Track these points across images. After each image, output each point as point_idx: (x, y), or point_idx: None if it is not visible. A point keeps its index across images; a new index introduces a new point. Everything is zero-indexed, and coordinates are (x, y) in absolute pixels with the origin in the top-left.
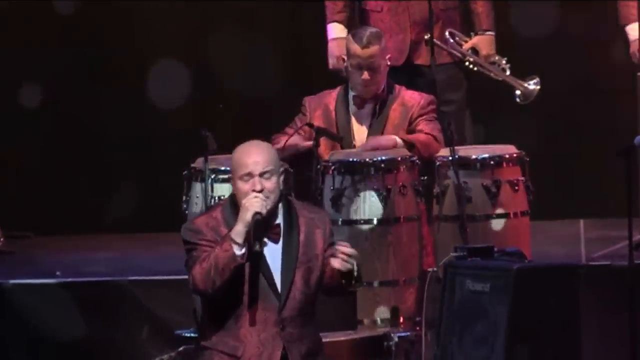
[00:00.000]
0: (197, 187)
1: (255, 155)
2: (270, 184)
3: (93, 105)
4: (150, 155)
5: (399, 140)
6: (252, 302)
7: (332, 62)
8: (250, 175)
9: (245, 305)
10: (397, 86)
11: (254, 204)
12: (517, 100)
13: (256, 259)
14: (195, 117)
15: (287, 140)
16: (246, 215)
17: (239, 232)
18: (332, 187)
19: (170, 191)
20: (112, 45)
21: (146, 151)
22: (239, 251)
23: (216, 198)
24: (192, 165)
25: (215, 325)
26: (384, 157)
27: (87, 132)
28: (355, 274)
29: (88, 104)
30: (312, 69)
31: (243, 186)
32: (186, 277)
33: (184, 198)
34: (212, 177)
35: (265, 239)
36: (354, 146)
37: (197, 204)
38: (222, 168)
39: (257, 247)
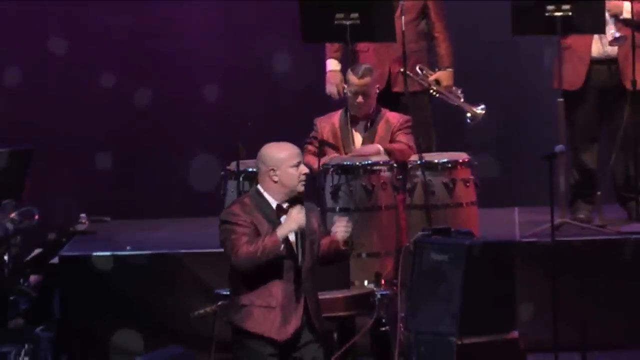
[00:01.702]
0: (231, 184)
1: (295, 148)
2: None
3: (164, 103)
4: (193, 158)
5: (381, 148)
6: (279, 267)
7: (328, 88)
8: (300, 162)
9: (275, 268)
10: (382, 109)
11: (300, 220)
12: (468, 121)
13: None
14: (229, 128)
15: (318, 162)
16: (293, 226)
17: (284, 234)
18: (331, 184)
19: (212, 186)
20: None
21: (193, 155)
22: (281, 247)
23: (244, 191)
24: (228, 167)
25: (249, 286)
26: (370, 162)
27: (159, 133)
28: (350, 241)
29: (158, 101)
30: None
31: (294, 172)
32: (221, 250)
33: (221, 192)
34: (242, 176)
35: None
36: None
37: (231, 196)
38: (250, 169)
39: (300, 262)
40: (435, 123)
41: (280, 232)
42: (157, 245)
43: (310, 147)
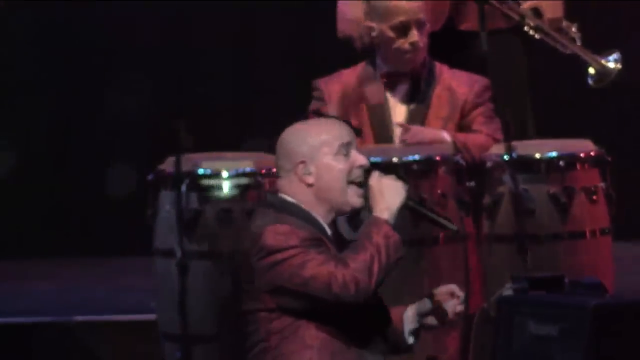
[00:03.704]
0: (167, 197)
1: (342, 125)
2: None
3: None
4: (104, 155)
5: (448, 138)
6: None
7: (342, 27)
8: (350, 144)
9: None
10: (437, 63)
11: (402, 190)
12: (590, 81)
13: None
14: (162, 104)
15: None
16: (398, 200)
17: (393, 214)
18: None
19: (129, 203)
20: None
21: (99, 149)
22: (398, 240)
23: (192, 211)
24: (160, 167)
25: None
26: (417, 157)
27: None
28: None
29: None
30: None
31: (343, 165)
32: (152, 316)
33: (148, 211)
34: (187, 182)
35: None
36: (392, 139)
37: (166, 218)
38: (201, 171)
39: (453, 226)
40: (533, 87)
41: (385, 214)
42: (32, 307)
43: None
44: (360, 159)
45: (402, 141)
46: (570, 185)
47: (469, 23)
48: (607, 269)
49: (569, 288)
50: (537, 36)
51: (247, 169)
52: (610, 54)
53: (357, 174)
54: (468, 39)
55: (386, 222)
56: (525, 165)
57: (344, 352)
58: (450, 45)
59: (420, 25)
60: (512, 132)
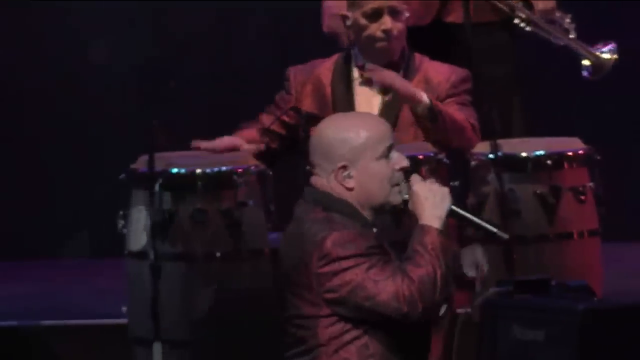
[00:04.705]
0: (140, 197)
1: (383, 123)
2: None
3: None
4: (76, 154)
5: (425, 98)
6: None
7: (329, 23)
8: (392, 146)
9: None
10: (417, 55)
11: (447, 196)
12: (585, 73)
13: None
14: (136, 100)
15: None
16: (445, 207)
17: (442, 220)
18: None
19: (100, 203)
20: None
21: (70, 147)
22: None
23: (166, 212)
24: (133, 166)
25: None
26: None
27: None
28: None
29: None
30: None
31: (385, 169)
32: (123, 320)
33: (120, 212)
34: (160, 182)
35: None
36: None
37: (139, 219)
38: (175, 170)
39: (502, 233)
40: (522, 83)
41: (435, 222)
42: (1, 311)
43: (246, 131)
44: (401, 161)
45: (367, 79)
46: (557, 184)
47: (455, 15)
48: (596, 271)
49: (556, 291)
50: (528, 29)
51: (223, 168)
52: (605, 45)
53: (399, 177)
54: (455, 31)
55: (439, 231)
56: (511, 164)
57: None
58: (436, 38)
59: (394, 13)
60: (498, 129)
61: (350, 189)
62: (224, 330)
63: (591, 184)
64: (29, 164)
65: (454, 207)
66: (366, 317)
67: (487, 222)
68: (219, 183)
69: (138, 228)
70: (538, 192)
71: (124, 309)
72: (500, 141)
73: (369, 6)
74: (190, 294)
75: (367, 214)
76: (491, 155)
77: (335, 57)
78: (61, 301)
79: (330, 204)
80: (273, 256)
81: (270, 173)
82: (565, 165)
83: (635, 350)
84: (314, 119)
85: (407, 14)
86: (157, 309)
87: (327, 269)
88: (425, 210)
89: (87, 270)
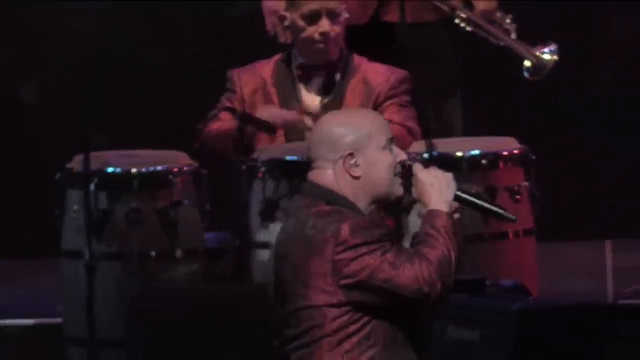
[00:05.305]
0: (75, 196)
1: (382, 117)
2: None
3: None
4: (10, 152)
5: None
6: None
7: (270, 21)
8: (393, 139)
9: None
10: (355, 56)
11: (452, 182)
12: (526, 74)
13: None
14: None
15: (218, 127)
16: (451, 192)
17: (449, 205)
18: (262, 197)
19: (35, 202)
20: None
21: (3, 146)
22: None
23: (101, 211)
24: (68, 166)
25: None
26: None
27: None
28: None
29: None
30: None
31: (389, 158)
32: (58, 319)
33: (55, 211)
34: (96, 181)
35: None
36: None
37: (74, 218)
38: (111, 170)
39: (510, 215)
40: (461, 82)
41: (443, 207)
42: None
43: (218, 123)
44: (401, 153)
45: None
46: (492, 184)
47: (393, 14)
48: (531, 270)
49: (491, 291)
50: (468, 28)
51: (158, 168)
52: (546, 46)
53: (399, 169)
54: (393, 30)
55: (447, 214)
56: (446, 163)
57: (407, 351)
58: (374, 37)
59: (332, 15)
60: (434, 128)
61: (357, 177)
62: (158, 329)
63: (526, 183)
64: None
65: (459, 192)
66: (381, 302)
67: (493, 205)
68: (155, 182)
69: (73, 227)
70: (473, 191)
71: (59, 308)
72: (435, 141)
73: (307, 8)
74: (125, 293)
75: (367, 206)
76: (426, 155)
77: (276, 57)
78: None
79: (332, 198)
80: (208, 255)
81: (206, 172)
82: (501, 164)
83: (569, 350)
84: (248, 119)
85: (345, 16)
86: (92, 308)
87: (344, 255)
88: (432, 196)
89: (19, 270)
